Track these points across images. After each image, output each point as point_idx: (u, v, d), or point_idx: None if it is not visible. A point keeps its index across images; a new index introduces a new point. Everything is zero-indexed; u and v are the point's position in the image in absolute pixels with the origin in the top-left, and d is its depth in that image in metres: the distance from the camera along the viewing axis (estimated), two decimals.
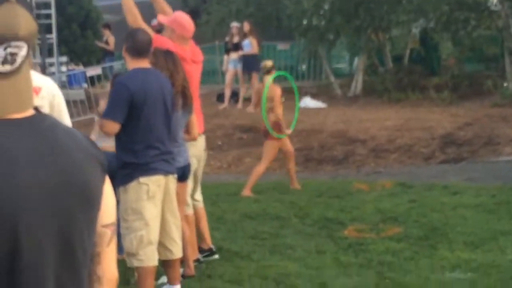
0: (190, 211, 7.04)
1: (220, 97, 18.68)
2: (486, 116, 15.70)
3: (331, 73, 20.71)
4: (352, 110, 17.51)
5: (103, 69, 20.61)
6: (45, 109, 5.04)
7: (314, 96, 19.22)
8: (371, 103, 18.61)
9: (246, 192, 10.64)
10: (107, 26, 23.56)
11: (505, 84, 18.06)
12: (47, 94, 4.97)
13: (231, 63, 18.15)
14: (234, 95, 18.40)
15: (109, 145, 6.26)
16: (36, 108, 1.77)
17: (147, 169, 5.63)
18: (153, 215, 5.66)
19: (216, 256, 7.34)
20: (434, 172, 12.23)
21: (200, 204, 7.41)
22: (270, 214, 9.27)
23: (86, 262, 1.82)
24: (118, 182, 5.70)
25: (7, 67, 1.62)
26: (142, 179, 5.61)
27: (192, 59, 7.02)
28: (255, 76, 17.61)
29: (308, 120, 16.20)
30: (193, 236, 7.09)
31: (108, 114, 5.61)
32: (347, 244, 7.73)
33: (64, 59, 22.92)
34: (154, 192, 5.64)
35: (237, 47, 17.93)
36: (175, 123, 6.07)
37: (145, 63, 5.84)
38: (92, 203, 1.79)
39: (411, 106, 17.73)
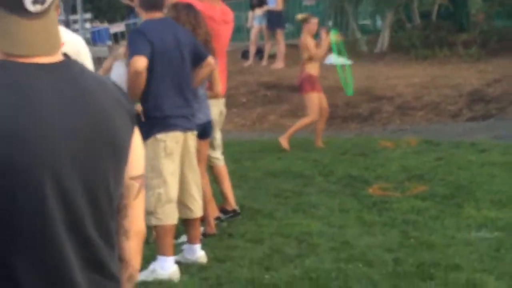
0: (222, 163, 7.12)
1: (245, 54, 18.46)
2: None
3: (357, 29, 20.40)
4: (378, 67, 17.25)
5: (127, 26, 20.50)
6: None
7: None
8: (397, 60, 18.30)
9: (284, 141, 10.65)
10: None
11: None
12: (71, 50, 4.84)
13: (256, 20, 17.92)
14: (259, 52, 18.17)
15: None
16: (65, 54, 1.75)
17: (165, 125, 5.50)
18: (171, 172, 5.54)
19: (240, 217, 7.23)
20: (461, 129, 12.02)
21: (221, 162, 7.27)
22: (294, 172, 9.15)
23: (113, 214, 1.81)
24: None
25: (38, 7, 1.58)
26: (159, 136, 5.48)
27: (223, 18, 6.87)
28: (280, 33, 17.42)
29: (334, 76, 15.94)
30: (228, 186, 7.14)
31: (133, 52, 5.35)
32: (371, 202, 7.59)
33: (88, 15, 22.79)
34: (172, 149, 5.51)
35: (262, 2, 17.68)
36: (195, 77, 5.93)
37: (159, 15, 5.68)
38: (120, 153, 1.77)
39: (439, 63, 17.41)
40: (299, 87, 10.83)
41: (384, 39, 19.88)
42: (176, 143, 5.55)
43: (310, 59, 10.51)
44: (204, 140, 6.50)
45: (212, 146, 7.09)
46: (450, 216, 6.98)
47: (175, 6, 6.21)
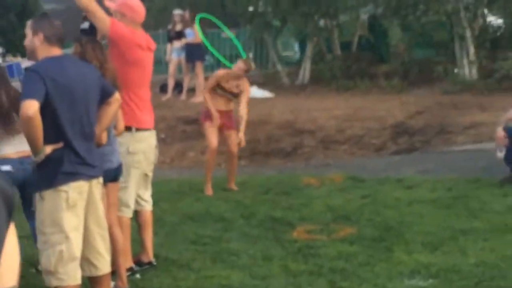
0: (127, 214, 6.32)
1: (164, 88, 17.89)
2: (437, 103, 15.20)
3: (278, 61, 20.05)
4: (300, 100, 16.89)
5: None
6: None
7: (261, 85, 18.54)
8: (319, 92, 18.00)
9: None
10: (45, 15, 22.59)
11: (455, 70, 17.61)
12: None
13: (174, 52, 17.39)
14: (178, 85, 17.65)
15: (27, 149, 5.46)
16: None
17: (66, 173, 4.88)
18: (74, 227, 4.90)
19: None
20: (386, 164, 11.68)
21: (148, 207, 6.68)
22: (213, 215, 8.57)
23: None
24: (34, 188, 5.00)
25: None
26: (60, 186, 4.87)
27: (148, 46, 6.33)
28: (199, 66, 16.95)
29: (255, 110, 15.43)
30: (128, 242, 6.39)
31: (24, 95, 4.72)
32: (297, 248, 7.05)
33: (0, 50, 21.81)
34: (74, 200, 4.88)
35: (180, 35, 17.18)
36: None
37: (59, 51, 5.11)
38: None
39: (361, 94, 17.16)
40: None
41: (305, 71, 19.58)
42: (79, 193, 4.92)
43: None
44: (115, 183, 5.94)
45: (144, 185, 6.57)
46: (380, 261, 6.50)
47: (80, 43, 5.69)
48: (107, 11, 6.24)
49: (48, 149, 4.83)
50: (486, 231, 7.29)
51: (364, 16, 21.01)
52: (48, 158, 4.85)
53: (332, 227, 7.75)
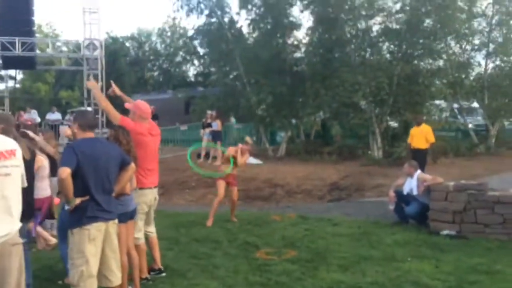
0: (141, 242, 5.46)
1: (199, 155, 17.10)
2: (357, 171, 14.30)
3: (266, 142, 19.26)
4: (278, 165, 15.97)
5: None
6: (21, 170, 3.56)
7: (255, 156, 17.72)
8: (290, 161, 17.07)
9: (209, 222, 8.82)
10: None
11: (369, 152, 16.82)
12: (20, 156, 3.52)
13: (205, 135, 16.66)
14: (207, 154, 16.86)
15: None
16: None
17: (89, 217, 4.06)
18: (93, 254, 4.07)
19: (164, 274, 5.75)
20: (324, 208, 10.71)
21: (153, 235, 5.82)
22: (211, 238, 7.65)
23: None
24: (69, 226, 4.18)
25: None
26: (85, 226, 4.04)
27: (150, 132, 5.54)
28: (219, 144, 16.17)
29: (250, 171, 14.66)
30: (143, 260, 5.51)
31: (61, 163, 3.99)
32: (257, 265, 6.14)
33: None
34: (94, 235, 4.07)
35: (209, 125, 16.50)
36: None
37: (91, 135, 4.33)
38: None
39: (313, 164, 16.18)
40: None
41: (282, 148, 18.79)
42: (98, 231, 4.10)
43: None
44: (132, 220, 5.11)
45: (148, 222, 5.71)
46: (309, 277, 5.59)
47: (115, 129, 4.98)
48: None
49: (78, 200, 4.03)
50: (380, 258, 6.36)
51: (318, 119, 20.29)
52: (77, 206, 4.04)
53: (283, 251, 6.81)
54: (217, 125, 16.19)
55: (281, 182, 13.20)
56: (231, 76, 19.98)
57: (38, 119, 21.69)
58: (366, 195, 11.62)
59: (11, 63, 18.71)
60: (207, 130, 16.52)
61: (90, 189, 4.07)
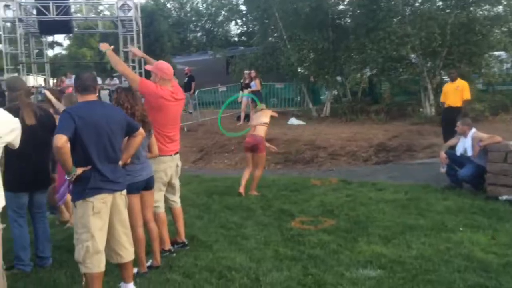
0: (160, 211, 5.09)
1: (238, 118, 16.66)
2: (407, 131, 13.51)
3: (310, 102, 18.56)
4: (321, 127, 15.36)
5: None
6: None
7: (298, 117, 17.15)
8: (334, 122, 16.44)
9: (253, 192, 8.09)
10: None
11: (420, 110, 15.85)
12: None
13: (244, 96, 16.14)
14: (246, 116, 16.37)
15: None
16: None
17: (92, 188, 3.71)
18: (99, 228, 3.75)
19: (187, 248, 5.39)
20: (369, 171, 10.11)
21: (177, 205, 5.45)
22: (243, 206, 7.24)
23: None
24: (72, 199, 3.84)
25: None
26: (88, 198, 3.70)
27: (173, 96, 5.08)
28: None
29: (291, 133, 14.17)
30: (165, 231, 5.16)
31: (56, 131, 3.60)
32: (290, 235, 5.68)
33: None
34: (99, 208, 3.73)
35: (247, 86, 15.94)
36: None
37: (91, 97, 3.92)
38: None
39: (359, 124, 15.54)
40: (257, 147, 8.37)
41: (326, 108, 18.08)
42: (103, 203, 3.76)
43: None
44: (149, 191, 4.72)
45: (172, 191, 5.33)
46: (346, 250, 5.09)
47: (117, 90, 4.57)
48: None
49: (79, 170, 3.68)
50: (428, 228, 5.77)
51: (365, 75, 19.32)
52: (79, 177, 3.69)
53: (320, 219, 6.33)
54: (255, 84, 15.62)
55: (324, 144, 12.61)
56: (270, 33, 19.22)
57: None
58: (417, 157, 10.90)
59: (47, 28, 18.63)
60: (246, 91, 15.98)
61: (92, 158, 3.71)
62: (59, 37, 52.16)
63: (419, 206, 6.73)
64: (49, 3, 17.61)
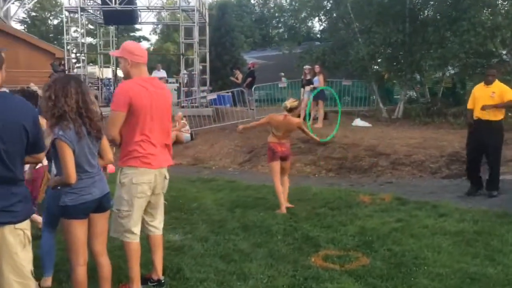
0: (132, 240, 3.82)
1: (298, 116, 15.10)
2: None
3: (380, 101, 16.67)
4: (388, 130, 13.51)
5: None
6: None
7: (365, 117, 15.39)
8: (404, 125, 14.52)
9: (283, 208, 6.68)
10: (238, 68, 20.84)
11: (510, 114, 13.54)
12: None
13: (305, 93, 14.60)
14: (307, 115, 14.84)
15: None
16: None
17: None
18: None
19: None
20: (434, 187, 8.30)
21: (158, 232, 4.07)
22: (264, 226, 5.83)
23: None
24: None
25: None
26: None
27: (149, 84, 3.82)
28: (321, 103, 14.12)
29: (353, 136, 12.51)
30: (137, 266, 3.89)
31: None
32: (303, 278, 4.23)
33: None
34: None
35: (309, 82, 14.41)
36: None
37: None
38: None
39: (434, 128, 13.56)
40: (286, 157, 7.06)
41: (399, 109, 16.14)
42: None
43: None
44: (101, 213, 3.49)
45: (151, 213, 4.01)
46: None
47: (50, 77, 3.34)
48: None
49: None
50: (498, 281, 4.09)
51: (447, 73, 17.11)
52: None
53: (351, 255, 4.80)
54: (318, 81, 14.06)
55: (386, 150, 10.86)
56: (342, 27, 17.56)
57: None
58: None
59: (111, 18, 18.23)
60: (307, 88, 14.47)
61: None
62: (146, 32, 53.68)
63: (490, 245, 5.02)
64: None
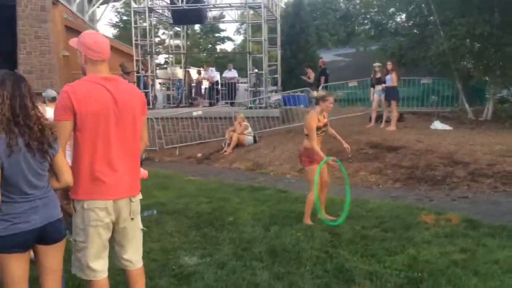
0: (93, 277, 3.09)
1: (370, 119, 14.00)
2: None
3: (465, 101, 15.00)
4: (471, 134, 12.01)
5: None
6: None
7: (447, 119, 13.90)
8: (492, 128, 12.86)
9: (307, 221, 6.15)
10: (310, 66, 19.90)
11: None
12: None
13: (376, 93, 13.40)
14: (379, 117, 13.65)
15: None
16: None
17: None
18: None
19: None
20: None
21: (133, 266, 3.28)
22: (295, 251, 4.98)
23: None
24: None
25: None
26: None
27: (105, 85, 3.06)
28: (393, 103, 12.88)
29: (428, 140, 11.22)
30: None
31: None
32: None
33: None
34: None
35: (379, 81, 13.20)
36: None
37: None
38: None
39: None
40: (300, 161, 6.51)
41: (488, 110, 14.42)
42: None
43: (307, 135, 6.21)
44: (49, 247, 2.86)
45: (123, 242, 3.24)
46: None
47: None
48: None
49: None
50: None
51: None
52: None
53: None
54: (391, 79, 12.83)
55: (465, 159, 9.52)
56: (420, 19, 16.07)
57: (217, 77, 21.09)
58: None
59: (179, 18, 18.05)
60: (378, 87, 13.27)
61: None
62: (230, 33, 54.12)
63: None
64: None
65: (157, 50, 18.99)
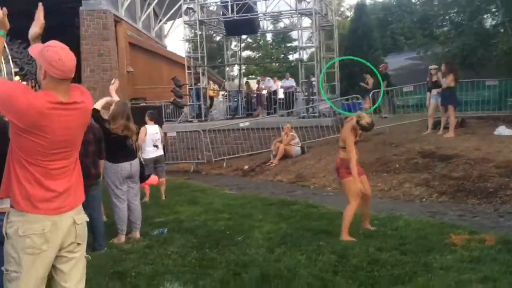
0: None
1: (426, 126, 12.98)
2: None
3: None
4: None
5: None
6: None
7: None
8: None
9: (345, 237, 5.71)
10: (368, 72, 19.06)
11: None
12: None
13: (432, 98, 12.39)
14: (437, 124, 12.62)
15: None
16: None
17: None
18: None
19: None
20: None
21: None
22: (293, 275, 4.49)
23: None
24: None
25: None
26: None
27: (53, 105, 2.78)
28: (451, 108, 11.85)
29: (487, 148, 10.16)
30: None
31: None
32: None
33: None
34: None
35: (435, 84, 12.19)
36: None
37: None
38: None
39: None
40: (337, 174, 5.99)
41: None
42: None
43: (344, 148, 5.68)
44: None
45: (63, 270, 2.80)
46: None
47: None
48: None
49: None
50: None
51: None
52: None
53: None
54: (445, 80, 11.79)
55: None
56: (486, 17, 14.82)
57: (274, 87, 20.83)
58: None
59: (232, 28, 17.97)
60: (434, 91, 12.28)
61: None
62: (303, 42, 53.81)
63: None
64: (227, 1, 16.84)
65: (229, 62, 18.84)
